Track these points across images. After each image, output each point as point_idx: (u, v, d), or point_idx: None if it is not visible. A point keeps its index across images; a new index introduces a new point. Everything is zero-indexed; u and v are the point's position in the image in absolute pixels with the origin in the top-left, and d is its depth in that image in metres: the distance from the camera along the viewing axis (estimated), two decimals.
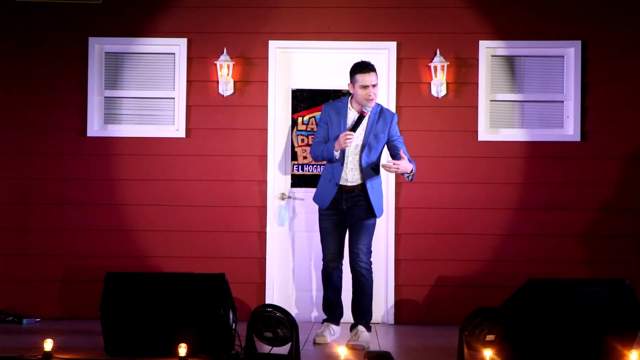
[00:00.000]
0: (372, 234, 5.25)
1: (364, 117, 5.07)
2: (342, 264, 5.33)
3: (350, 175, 5.17)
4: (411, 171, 5.04)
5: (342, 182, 5.17)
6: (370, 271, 5.21)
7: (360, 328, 5.19)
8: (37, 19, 6.33)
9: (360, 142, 5.15)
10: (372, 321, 6.10)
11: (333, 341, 5.24)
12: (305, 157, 6.25)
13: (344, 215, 5.24)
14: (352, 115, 5.18)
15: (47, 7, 6.33)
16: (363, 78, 5.07)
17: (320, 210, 5.31)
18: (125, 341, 4.60)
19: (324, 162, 5.34)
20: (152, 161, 6.27)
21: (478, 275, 6.18)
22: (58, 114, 6.30)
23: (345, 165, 5.17)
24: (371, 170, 5.18)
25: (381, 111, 5.22)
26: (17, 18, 6.34)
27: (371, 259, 5.24)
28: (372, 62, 5.17)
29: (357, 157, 5.17)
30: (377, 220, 6.10)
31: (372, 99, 5.08)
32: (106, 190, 6.26)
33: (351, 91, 5.19)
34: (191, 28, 6.31)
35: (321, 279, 5.40)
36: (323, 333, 5.24)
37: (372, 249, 6.16)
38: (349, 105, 5.23)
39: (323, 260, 5.35)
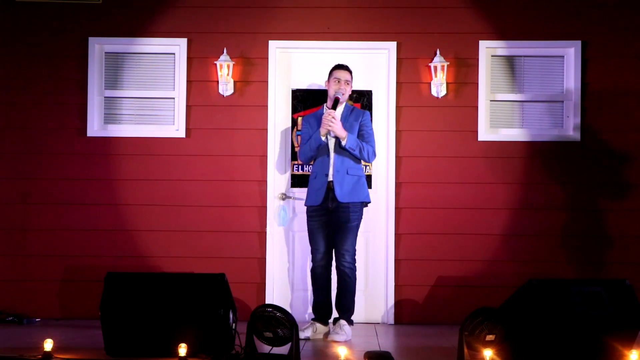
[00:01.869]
0: (357, 233, 5.52)
1: (339, 100, 5.52)
2: (331, 265, 5.55)
3: (332, 168, 5.49)
4: (344, 139, 5.42)
5: (330, 178, 5.46)
6: (353, 270, 5.48)
7: (342, 322, 5.43)
8: (37, 19, 6.33)
9: (330, 136, 5.50)
10: (371, 321, 6.18)
11: (334, 341, 5.28)
12: None
13: (330, 216, 5.49)
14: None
15: (47, 7, 6.33)
16: (337, 73, 5.61)
17: (308, 211, 5.60)
18: (125, 341, 4.60)
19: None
20: (152, 161, 6.27)
21: (478, 275, 6.18)
22: (58, 114, 6.30)
23: (330, 158, 5.48)
24: (347, 159, 5.50)
25: (353, 109, 5.71)
26: (17, 18, 6.34)
27: (355, 258, 5.51)
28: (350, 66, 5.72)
29: (333, 150, 5.52)
30: (377, 220, 6.12)
31: (343, 94, 5.56)
32: (106, 190, 6.26)
33: (326, 87, 5.66)
34: (191, 28, 6.31)
35: (310, 279, 5.62)
36: (307, 329, 5.44)
37: (372, 249, 6.23)
38: (324, 108, 5.64)
39: (313, 260, 5.56)
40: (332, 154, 5.50)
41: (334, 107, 5.48)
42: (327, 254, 5.53)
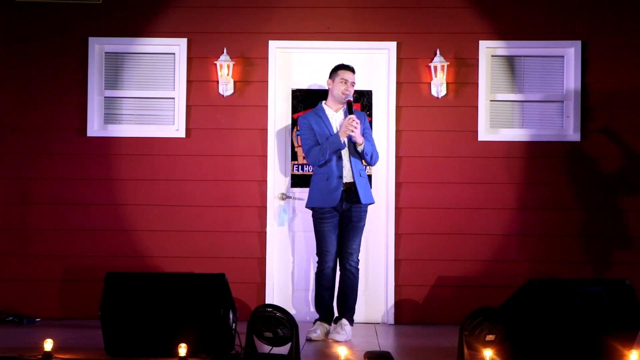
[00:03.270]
0: (362, 233, 5.59)
1: (351, 103, 5.44)
2: (337, 265, 5.55)
3: (347, 170, 5.47)
4: (362, 145, 5.42)
5: (347, 180, 5.45)
6: (358, 270, 5.54)
7: (344, 322, 5.43)
8: (37, 19, 6.33)
9: (346, 138, 5.43)
10: (372, 321, 6.17)
11: (334, 340, 5.28)
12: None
13: (340, 217, 5.49)
14: (331, 114, 5.57)
15: (47, 7, 6.33)
16: (345, 73, 5.54)
17: (318, 213, 5.51)
18: (125, 341, 4.60)
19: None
20: (152, 161, 6.27)
21: (478, 275, 6.18)
22: (58, 114, 6.30)
23: (344, 160, 5.46)
24: (358, 161, 5.52)
25: (354, 111, 5.57)
26: (17, 18, 6.34)
27: (359, 258, 5.56)
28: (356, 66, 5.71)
29: (347, 152, 5.48)
30: (377, 220, 6.14)
31: (348, 93, 5.49)
32: (106, 190, 6.26)
33: (329, 87, 5.60)
34: (191, 28, 6.31)
35: (316, 279, 5.59)
36: (316, 330, 5.41)
37: (372, 249, 6.28)
38: (324, 107, 5.62)
39: (322, 262, 5.51)
40: (347, 157, 5.47)
41: (350, 111, 5.39)
42: (336, 255, 5.52)
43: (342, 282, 5.51)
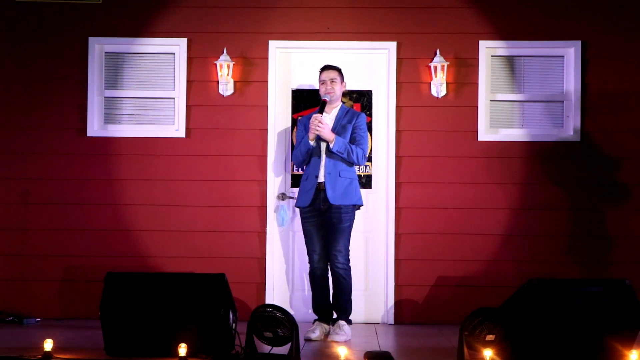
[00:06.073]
0: (349, 234, 5.52)
1: (326, 103, 5.53)
2: (328, 265, 5.56)
3: (322, 169, 5.48)
4: (332, 143, 5.42)
5: (320, 179, 5.46)
6: (347, 271, 5.49)
7: (341, 322, 5.44)
8: (37, 19, 6.33)
9: (322, 139, 5.48)
10: (371, 321, 6.18)
11: (334, 341, 5.28)
12: None
13: (323, 217, 5.50)
14: (324, 115, 5.57)
15: (47, 7, 6.33)
16: (322, 74, 5.63)
17: (301, 212, 5.59)
18: (125, 341, 4.60)
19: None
20: (152, 161, 6.27)
21: (478, 275, 6.18)
22: (58, 114, 6.30)
23: (321, 159, 5.48)
24: (339, 161, 5.48)
25: (349, 110, 5.68)
26: (17, 18, 6.34)
27: (349, 258, 5.51)
28: (338, 65, 5.72)
29: (324, 152, 5.50)
30: (377, 220, 6.11)
31: (329, 93, 5.56)
32: (106, 190, 6.26)
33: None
34: (191, 28, 6.31)
35: (309, 280, 5.64)
36: (315, 330, 5.43)
37: (372, 249, 6.24)
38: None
39: (310, 262, 5.58)
40: (323, 156, 5.49)
41: (321, 110, 5.47)
42: (324, 255, 5.53)
43: (333, 284, 5.53)
